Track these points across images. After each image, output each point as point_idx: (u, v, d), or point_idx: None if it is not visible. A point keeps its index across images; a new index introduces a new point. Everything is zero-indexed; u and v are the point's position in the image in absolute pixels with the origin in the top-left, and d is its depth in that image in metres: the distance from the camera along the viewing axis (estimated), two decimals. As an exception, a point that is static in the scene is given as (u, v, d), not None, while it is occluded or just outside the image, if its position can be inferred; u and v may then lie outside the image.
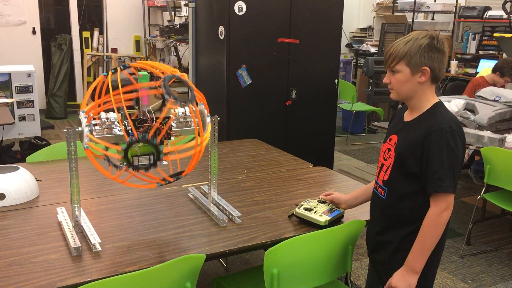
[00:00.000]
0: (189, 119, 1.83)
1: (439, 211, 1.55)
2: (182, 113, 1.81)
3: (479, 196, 3.24)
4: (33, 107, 5.38)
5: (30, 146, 4.95)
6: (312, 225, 1.89)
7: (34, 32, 7.09)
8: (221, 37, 3.80)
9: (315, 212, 1.91)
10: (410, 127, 1.65)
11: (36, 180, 2.21)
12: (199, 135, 1.78)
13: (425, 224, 1.57)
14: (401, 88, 1.62)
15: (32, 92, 5.34)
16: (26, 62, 5.95)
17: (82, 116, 1.69)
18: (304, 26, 3.97)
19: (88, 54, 7.56)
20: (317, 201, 1.99)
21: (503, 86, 4.30)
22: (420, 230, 1.58)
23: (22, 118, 5.40)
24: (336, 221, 1.92)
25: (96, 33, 7.75)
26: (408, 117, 1.68)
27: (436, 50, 1.57)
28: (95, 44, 7.75)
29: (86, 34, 7.62)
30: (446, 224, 1.59)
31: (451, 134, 1.54)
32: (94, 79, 7.78)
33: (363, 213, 1.98)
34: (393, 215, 1.68)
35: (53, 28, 7.74)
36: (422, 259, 1.59)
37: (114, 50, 7.83)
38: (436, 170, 1.53)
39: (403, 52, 1.57)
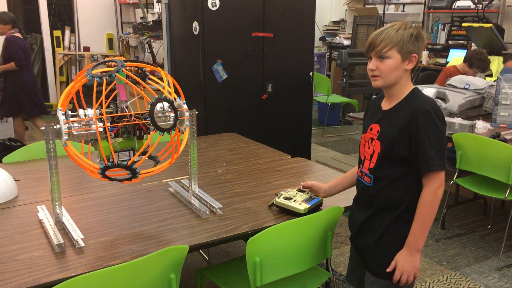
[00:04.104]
0: (167, 114, 1.84)
1: (434, 189, 1.61)
2: (161, 108, 1.82)
3: (452, 181, 3.34)
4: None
5: (4, 147, 4.88)
6: (292, 214, 1.93)
7: (3, 32, 6.94)
8: (196, 33, 3.81)
9: (295, 200, 1.95)
10: (391, 114, 1.69)
11: (14, 180, 2.20)
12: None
13: (421, 204, 1.63)
14: (390, 75, 1.64)
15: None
16: (-4, 63, 5.82)
17: (59, 113, 1.69)
18: (278, 20, 4.01)
19: (60, 53, 7.45)
20: (296, 190, 2.03)
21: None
22: (417, 210, 1.63)
23: (-6, 120, 5.32)
24: (315, 208, 1.96)
25: (67, 32, 7.63)
26: (386, 105, 1.72)
27: (421, 39, 1.64)
28: (66, 43, 7.64)
29: (57, 33, 7.50)
30: None
31: (435, 114, 1.60)
32: (67, 78, 7.67)
33: (341, 200, 2.04)
34: (380, 200, 1.71)
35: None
36: (423, 237, 1.65)
37: (87, 49, 7.73)
38: (427, 151, 1.59)
39: (397, 38, 1.61)
